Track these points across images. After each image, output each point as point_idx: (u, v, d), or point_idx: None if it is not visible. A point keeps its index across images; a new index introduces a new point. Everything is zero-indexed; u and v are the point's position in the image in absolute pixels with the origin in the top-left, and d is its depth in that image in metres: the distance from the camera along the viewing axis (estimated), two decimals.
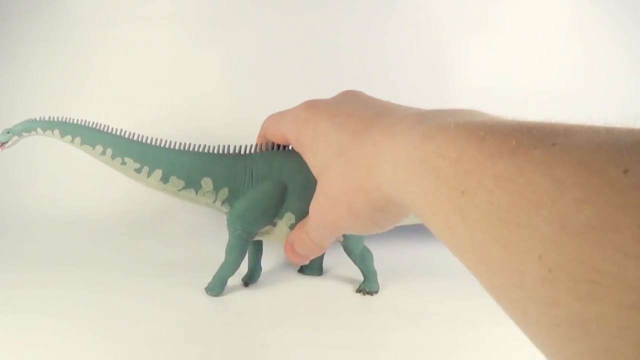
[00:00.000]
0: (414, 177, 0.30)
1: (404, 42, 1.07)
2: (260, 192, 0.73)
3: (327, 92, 1.03)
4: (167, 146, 0.74)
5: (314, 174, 0.47)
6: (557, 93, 1.08)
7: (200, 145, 0.75)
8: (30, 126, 0.74)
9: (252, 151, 0.74)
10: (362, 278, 0.80)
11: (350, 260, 0.79)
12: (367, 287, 0.78)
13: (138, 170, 0.73)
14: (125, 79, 1.08)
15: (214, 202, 0.74)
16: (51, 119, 0.74)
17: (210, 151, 0.74)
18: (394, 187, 0.34)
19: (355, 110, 0.42)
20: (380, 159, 0.35)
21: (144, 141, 0.74)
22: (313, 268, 0.86)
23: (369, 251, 0.79)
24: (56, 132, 0.73)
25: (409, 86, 1.06)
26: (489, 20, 1.07)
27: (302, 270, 0.87)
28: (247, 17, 1.07)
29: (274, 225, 0.74)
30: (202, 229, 1.01)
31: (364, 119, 0.40)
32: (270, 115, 0.59)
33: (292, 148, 0.75)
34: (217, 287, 0.76)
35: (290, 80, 1.06)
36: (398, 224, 0.42)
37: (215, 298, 0.76)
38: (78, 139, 0.73)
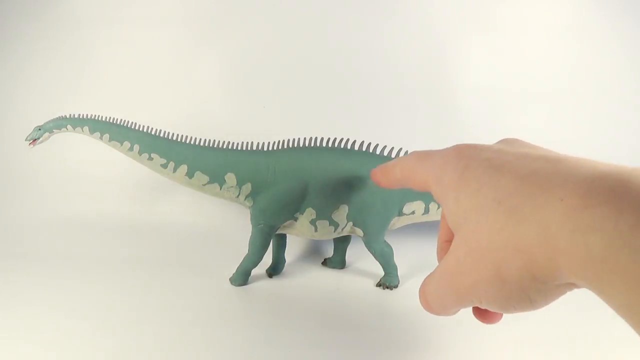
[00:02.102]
0: None
1: (404, 42, 1.05)
2: (282, 188, 0.74)
3: (327, 91, 1.02)
4: (192, 142, 0.76)
5: (452, 226, 0.35)
6: (557, 93, 1.06)
7: (224, 141, 0.77)
8: (60, 123, 0.76)
9: (275, 148, 0.76)
10: (383, 272, 0.81)
11: (372, 255, 0.80)
12: (387, 281, 0.79)
13: (164, 166, 0.75)
14: (125, 78, 1.09)
15: (238, 196, 0.76)
16: (81, 116, 0.76)
17: (234, 148, 0.76)
18: (597, 270, 0.24)
19: (528, 154, 0.32)
20: (578, 223, 0.25)
21: (170, 138, 0.76)
22: (336, 261, 0.87)
23: (389, 246, 0.79)
24: (85, 128, 0.76)
25: (409, 86, 1.05)
26: (489, 20, 1.05)
27: (325, 263, 0.88)
28: (247, 17, 1.06)
29: (296, 219, 0.76)
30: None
31: (539, 162, 0.30)
32: (412, 153, 0.42)
33: (313, 145, 0.77)
34: (240, 278, 0.78)
35: (290, 80, 1.06)
36: (552, 301, 0.33)
37: (239, 288, 0.78)
38: (107, 136, 0.76)
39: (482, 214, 0.31)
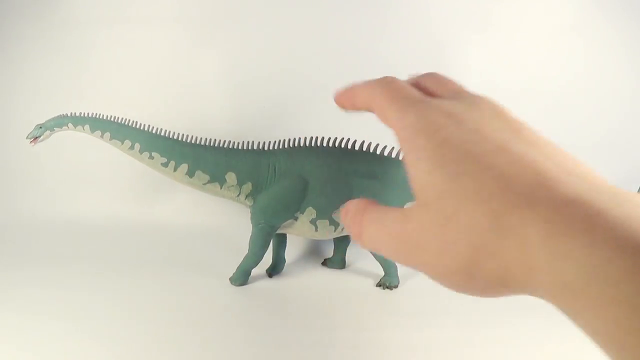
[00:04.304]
0: (621, 308, 0.25)
1: (404, 42, 1.05)
2: (282, 187, 0.74)
3: (328, 91, 1.02)
4: (193, 142, 0.76)
5: (418, 194, 0.35)
6: (557, 93, 1.06)
7: (225, 141, 0.77)
8: (61, 121, 0.76)
9: (275, 147, 0.76)
10: (383, 272, 0.80)
11: (372, 255, 0.80)
12: (387, 281, 0.79)
13: (165, 165, 0.75)
14: (125, 78, 1.09)
15: (238, 196, 0.76)
16: (82, 115, 0.76)
17: (235, 147, 0.76)
18: (571, 298, 0.27)
19: (505, 145, 0.30)
20: (556, 249, 0.24)
21: (171, 137, 0.76)
22: (336, 261, 0.87)
23: None
24: (86, 127, 0.76)
25: None
26: (489, 20, 1.05)
27: (325, 263, 0.88)
28: (247, 17, 1.06)
29: (296, 219, 0.76)
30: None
31: (521, 164, 0.30)
32: (384, 81, 0.37)
33: (313, 145, 0.77)
34: (240, 278, 0.78)
35: (290, 80, 1.06)
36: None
37: (239, 288, 0.78)
38: (107, 134, 0.76)
39: (461, 204, 0.29)
